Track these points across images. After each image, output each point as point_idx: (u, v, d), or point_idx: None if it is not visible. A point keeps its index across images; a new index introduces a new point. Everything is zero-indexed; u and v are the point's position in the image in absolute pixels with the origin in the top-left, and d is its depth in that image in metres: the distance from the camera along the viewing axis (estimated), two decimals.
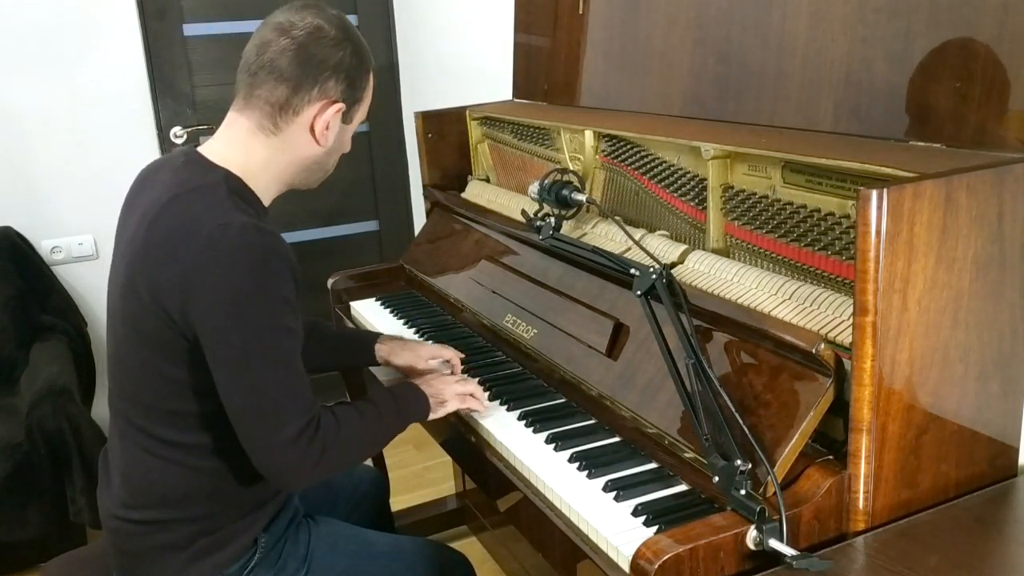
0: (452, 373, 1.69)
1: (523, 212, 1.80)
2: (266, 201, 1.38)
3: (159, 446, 1.33)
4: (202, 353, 1.25)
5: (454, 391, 1.52)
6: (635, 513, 1.20)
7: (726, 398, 1.17)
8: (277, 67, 1.30)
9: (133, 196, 1.41)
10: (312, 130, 1.34)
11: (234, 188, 1.31)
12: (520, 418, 1.51)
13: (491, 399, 1.58)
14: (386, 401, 1.45)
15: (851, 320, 1.07)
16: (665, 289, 1.32)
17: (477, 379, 1.65)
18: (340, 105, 1.34)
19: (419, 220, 3.34)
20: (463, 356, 1.73)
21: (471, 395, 1.53)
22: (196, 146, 1.39)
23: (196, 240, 1.22)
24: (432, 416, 1.50)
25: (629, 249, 1.58)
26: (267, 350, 1.24)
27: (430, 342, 1.86)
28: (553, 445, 1.41)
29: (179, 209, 1.27)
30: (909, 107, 1.25)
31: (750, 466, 1.11)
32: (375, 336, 1.77)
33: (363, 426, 1.39)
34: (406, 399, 1.48)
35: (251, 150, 1.34)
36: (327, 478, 1.39)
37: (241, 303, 1.22)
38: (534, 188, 1.74)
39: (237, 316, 1.22)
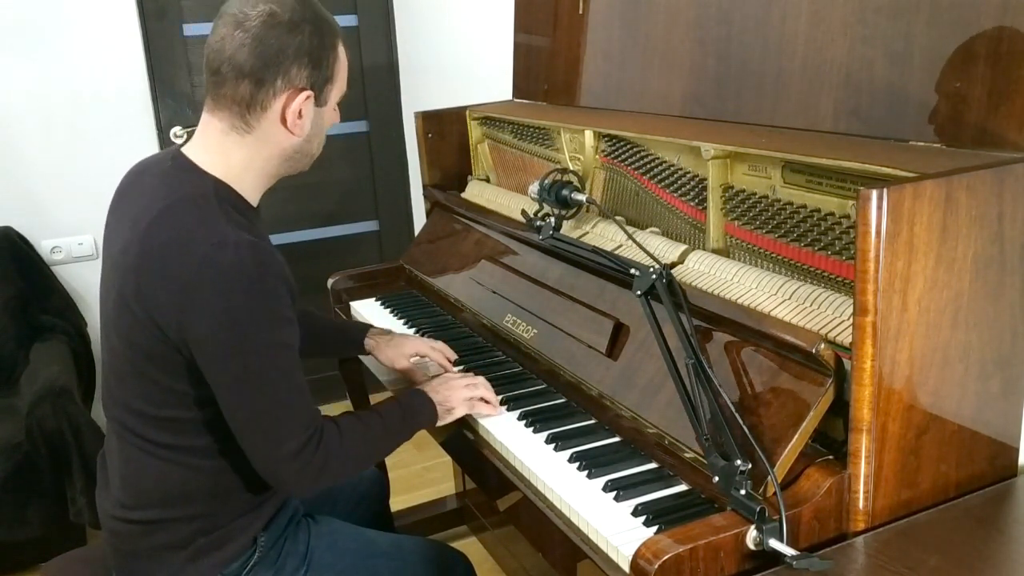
0: (446, 371, 1.70)
1: (523, 212, 1.80)
2: (255, 199, 1.37)
3: (157, 448, 1.33)
4: (197, 366, 1.25)
5: (461, 397, 1.51)
6: (635, 513, 1.20)
7: (726, 398, 1.17)
8: (236, 63, 1.25)
9: (120, 199, 1.39)
10: (284, 122, 1.30)
11: (223, 196, 1.29)
12: (520, 418, 1.51)
13: None
14: (392, 411, 1.45)
15: (851, 320, 1.07)
16: (665, 289, 1.32)
17: None
18: (308, 92, 1.30)
19: (419, 220, 3.34)
20: (454, 357, 1.74)
21: (481, 399, 1.53)
22: (181, 146, 1.37)
23: (191, 259, 1.21)
24: (440, 423, 1.50)
25: (624, 248, 1.58)
26: (265, 369, 1.24)
27: (417, 334, 1.90)
28: (553, 445, 1.41)
29: (172, 222, 1.24)
30: (909, 107, 1.25)
31: (750, 466, 1.11)
32: (365, 328, 1.79)
33: (367, 436, 1.39)
34: (412, 408, 1.47)
35: (229, 152, 1.32)
36: (333, 485, 1.38)
37: (238, 323, 1.21)
38: (534, 188, 1.74)
39: (234, 336, 1.21)
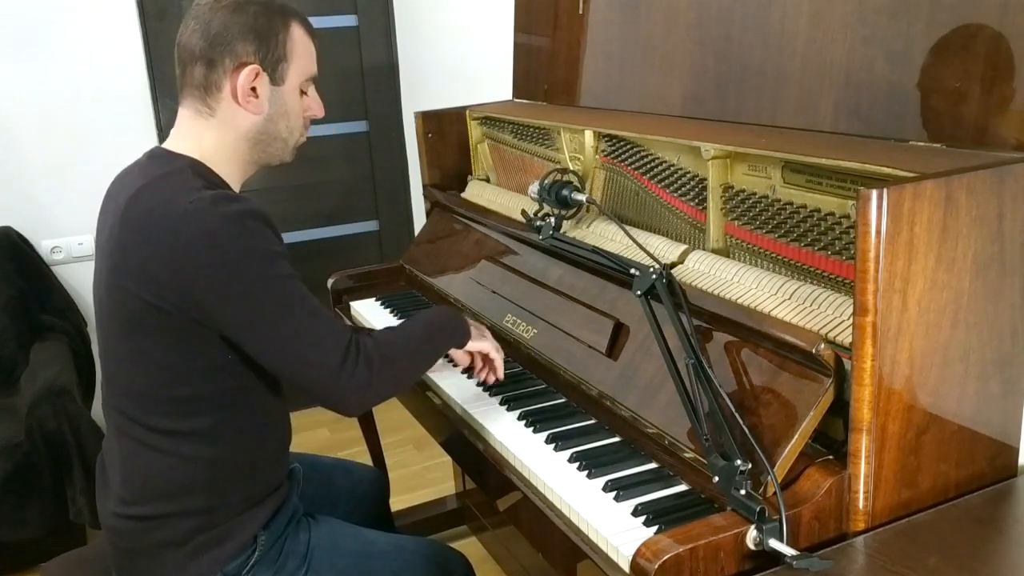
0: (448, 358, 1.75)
1: (523, 212, 1.80)
2: (235, 185, 1.40)
3: (155, 437, 1.34)
4: (195, 334, 1.27)
5: (490, 339, 1.59)
6: (635, 513, 1.20)
7: (726, 398, 1.17)
8: (190, 49, 1.34)
9: (106, 201, 1.42)
10: (237, 99, 1.35)
11: (199, 172, 1.33)
12: (520, 418, 1.51)
13: (491, 399, 1.59)
14: (423, 317, 1.51)
15: (851, 320, 1.07)
16: (665, 289, 1.32)
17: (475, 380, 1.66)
18: (254, 67, 1.34)
19: (419, 220, 3.34)
20: None
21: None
22: (160, 144, 1.42)
23: (171, 221, 1.24)
24: (471, 343, 1.56)
25: (624, 248, 1.58)
26: (279, 301, 1.27)
27: None
28: (553, 445, 1.41)
29: (149, 195, 1.28)
30: (909, 107, 1.25)
31: (750, 466, 1.11)
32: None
33: (403, 338, 1.43)
34: (444, 316, 1.53)
35: (200, 137, 1.37)
36: (389, 397, 1.41)
37: (234, 271, 1.24)
38: (534, 188, 1.74)
39: (235, 283, 1.24)
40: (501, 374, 1.59)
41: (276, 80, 1.37)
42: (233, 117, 1.36)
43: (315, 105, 1.45)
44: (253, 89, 1.35)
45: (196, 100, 1.36)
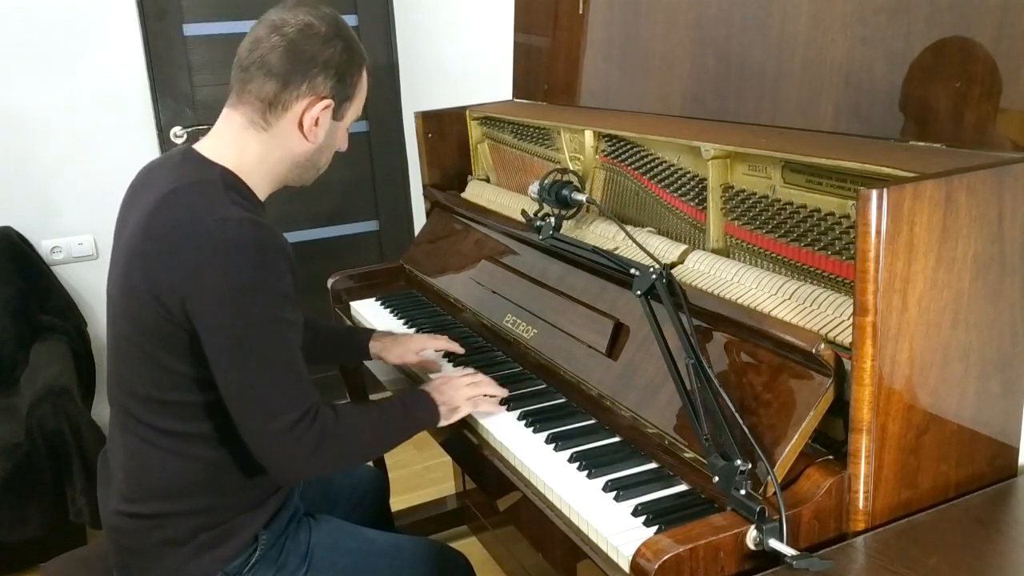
0: (450, 358, 1.74)
1: (523, 212, 1.80)
2: (262, 196, 1.40)
3: (160, 436, 1.34)
4: (201, 345, 1.27)
5: (465, 396, 1.51)
6: (635, 513, 1.20)
7: (726, 398, 1.17)
8: (267, 63, 1.32)
9: (132, 194, 1.42)
10: (301, 126, 1.36)
11: (230, 184, 1.33)
12: (520, 418, 1.51)
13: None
14: (391, 407, 1.45)
15: (851, 320, 1.07)
16: (665, 289, 1.32)
17: None
18: (328, 101, 1.36)
19: (419, 220, 3.34)
20: (461, 351, 1.75)
21: (483, 395, 1.53)
22: (193, 143, 1.41)
23: (194, 235, 1.24)
24: (444, 422, 1.49)
25: (624, 248, 1.58)
26: (263, 343, 1.25)
27: (418, 333, 1.90)
28: (553, 445, 1.41)
29: (177, 204, 1.28)
30: (909, 107, 1.25)
31: (750, 466, 1.11)
32: (369, 333, 1.80)
33: (364, 426, 1.39)
34: (414, 407, 1.47)
35: (244, 146, 1.36)
36: (325, 473, 1.39)
37: (238, 296, 1.23)
38: (534, 188, 1.74)
39: (234, 309, 1.24)
40: (496, 407, 1.54)
41: (337, 116, 1.40)
42: (287, 138, 1.37)
43: (346, 140, 1.48)
44: (315, 119, 1.36)
45: (254, 111, 1.34)
